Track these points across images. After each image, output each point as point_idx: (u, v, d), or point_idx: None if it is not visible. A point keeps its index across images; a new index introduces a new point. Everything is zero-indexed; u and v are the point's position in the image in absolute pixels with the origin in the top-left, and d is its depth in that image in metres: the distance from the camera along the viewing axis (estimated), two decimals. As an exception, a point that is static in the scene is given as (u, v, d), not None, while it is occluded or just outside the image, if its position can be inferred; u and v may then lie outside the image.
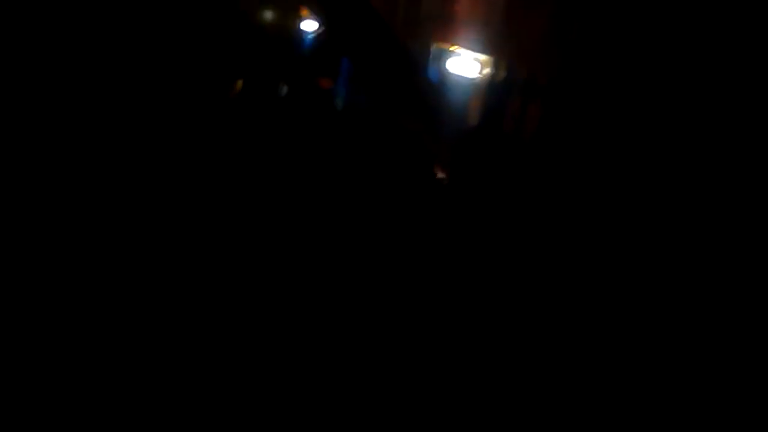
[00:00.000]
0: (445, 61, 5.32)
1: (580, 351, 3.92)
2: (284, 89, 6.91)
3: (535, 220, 4.63)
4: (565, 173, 4.55)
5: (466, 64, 5.25)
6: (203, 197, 4.86)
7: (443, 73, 5.34)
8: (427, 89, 5.31)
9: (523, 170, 4.87)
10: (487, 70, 5.27)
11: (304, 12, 7.36)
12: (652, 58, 4.10)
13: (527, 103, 5.03)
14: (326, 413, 3.47)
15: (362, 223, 4.92)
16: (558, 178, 4.60)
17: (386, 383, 3.71)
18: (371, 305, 4.30)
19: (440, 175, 5.16)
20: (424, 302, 4.38)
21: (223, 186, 4.99)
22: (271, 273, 4.43)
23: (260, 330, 3.94)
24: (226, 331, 3.86)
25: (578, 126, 4.58)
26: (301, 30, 7.49)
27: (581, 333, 4.00)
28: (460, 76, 5.29)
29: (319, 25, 7.00)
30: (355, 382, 3.67)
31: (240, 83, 6.41)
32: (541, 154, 4.84)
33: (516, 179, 4.84)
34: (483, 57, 5.25)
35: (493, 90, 5.31)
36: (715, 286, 3.65)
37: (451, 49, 5.33)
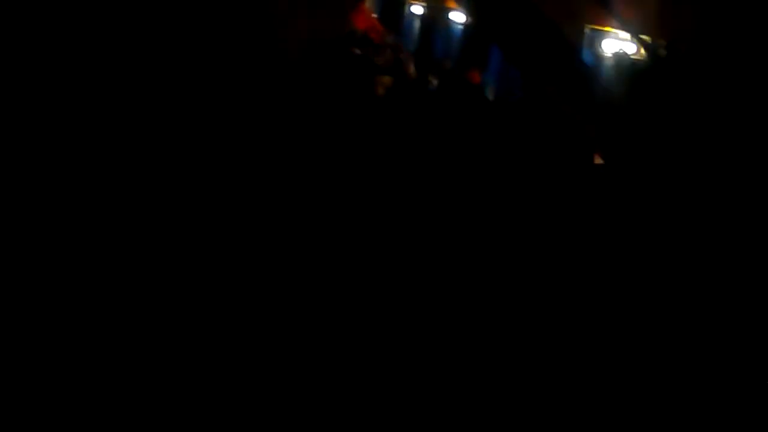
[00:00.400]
0: (600, 43, 5.15)
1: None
2: (434, 83, 6.92)
3: (695, 208, 4.42)
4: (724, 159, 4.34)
5: (622, 45, 5.06)
6: (358, 193, 4.94)
7: (599, 56, 5.17)
8: (582, 73, 5.16)
9: (681, 156, 4.66)
10: (644, 51, 5.05)
11: (452, 3, 7.34)
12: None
13: (684, 84, 4.80)
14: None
15: (522, 213, 4.86)
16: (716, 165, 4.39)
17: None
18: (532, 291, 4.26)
19: (598, 160, 5.01)
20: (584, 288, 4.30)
21: (377, 181, 5.05)
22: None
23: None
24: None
25: (734, 106, 4.37)
26: (450, 21, 7.47)
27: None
28: (617, 58, 5.10)
29: (468, 15, 6.95)
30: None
31: (388, 79, 6.46)
32: (699, 139, 4.61)
33: (675, 165, 4.64)
34: (640, 37, 5.04)
35: (651, 71, 5.09)
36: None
37: (606, 30, 5.15)
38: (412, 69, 6.91)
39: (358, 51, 6.30)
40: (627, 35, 5.04)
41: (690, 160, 4.50)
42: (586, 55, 5.36)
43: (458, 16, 7.26)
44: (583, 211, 4.78)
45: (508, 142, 5.55)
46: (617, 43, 5.08)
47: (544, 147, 5.29)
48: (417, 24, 8.64)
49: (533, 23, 5.08)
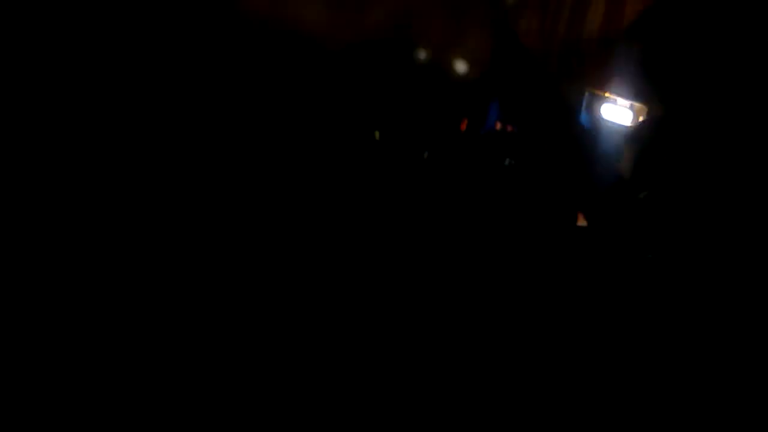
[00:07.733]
0: (599, 108, 5.27)
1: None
2: (426, 140, 6.92)
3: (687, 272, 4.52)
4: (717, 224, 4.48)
5: (620, 111, 5.19)
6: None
7: (596, 120, 5.29)
8: (579, 136, 5.29)
9: (671, 222, 4.76)
10: (641, 119, 5.20)
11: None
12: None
13: (680, 152, 4.94)
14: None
15: (507, 272, 4.87)
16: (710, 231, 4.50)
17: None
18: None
19: (582, 222, 5.08)
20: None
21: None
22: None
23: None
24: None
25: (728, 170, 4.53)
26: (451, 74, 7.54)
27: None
28: (614, 124, 5.23)
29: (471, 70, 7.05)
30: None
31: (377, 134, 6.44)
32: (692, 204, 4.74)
33: (665, 231, 4.73)
34: (637, 105, 5.19)
35: (645, 139, 5.23)
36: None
37: (605, 95, 5.28)
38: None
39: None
40: (625, 102, 5.19)
41: (677, 229, 4.61)
42: (583, 119, 5.50)
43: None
44: (567, 272, 4.81)
45: (496, 196, 5.58)
46: (615, 110, 5.22)
47: (529, 205, 5.35)
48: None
49: (534, 81, 5.22)
